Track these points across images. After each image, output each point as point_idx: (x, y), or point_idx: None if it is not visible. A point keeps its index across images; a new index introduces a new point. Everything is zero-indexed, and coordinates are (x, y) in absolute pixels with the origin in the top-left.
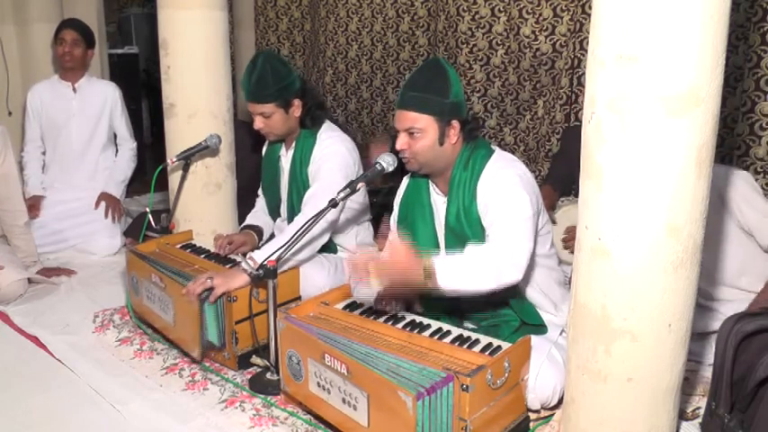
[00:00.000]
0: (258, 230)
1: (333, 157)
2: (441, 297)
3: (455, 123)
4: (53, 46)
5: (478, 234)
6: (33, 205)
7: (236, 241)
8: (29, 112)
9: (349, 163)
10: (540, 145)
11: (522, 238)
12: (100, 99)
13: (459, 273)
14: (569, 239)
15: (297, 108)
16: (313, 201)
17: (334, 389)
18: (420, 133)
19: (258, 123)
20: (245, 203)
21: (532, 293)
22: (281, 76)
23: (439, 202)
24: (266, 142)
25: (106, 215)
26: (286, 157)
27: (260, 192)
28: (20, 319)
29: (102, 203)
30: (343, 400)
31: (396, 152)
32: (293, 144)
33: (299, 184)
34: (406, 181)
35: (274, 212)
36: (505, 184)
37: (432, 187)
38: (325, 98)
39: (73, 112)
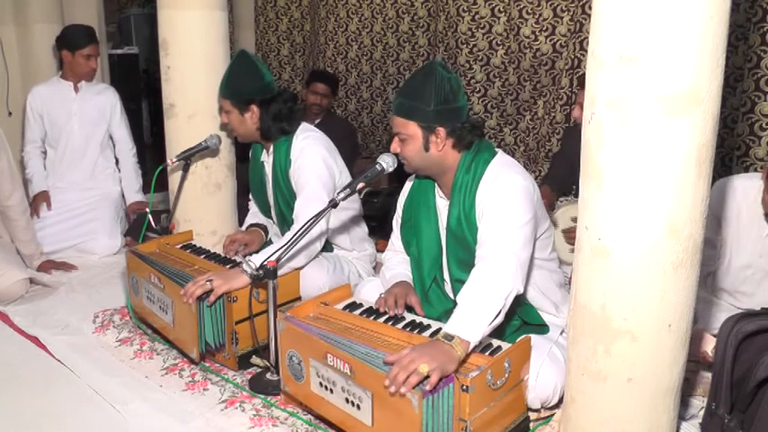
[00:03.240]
0: (263, 228)
1: (313, 160)
2: (440, 298)
3: (440, 131)
4: (63, 51)
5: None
6: (44, 200)
7: (239, 240)
8: (29, 114)
9: (329, 162)
10: (540, 145)
11: (515, 249)
12: (100, 102)
13: (478, 320)
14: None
15: (253, 115)
16: (304, 213)
17: (337, 388)
18: (407, 138)
19: (222, 117)
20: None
21: (533, 294)
22: (243, 78)
23: (441, 205)
24: (252, 147)
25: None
26: (268, 163)
27: (250, 196)
28: (20, 319)
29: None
30: (347, 400)
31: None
32: (270, 148)
33: (284, 189)
34: (410, 182)
35: (267, 217)
36: (502, 190)
37: (436, 190)
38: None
39: (74, 111)
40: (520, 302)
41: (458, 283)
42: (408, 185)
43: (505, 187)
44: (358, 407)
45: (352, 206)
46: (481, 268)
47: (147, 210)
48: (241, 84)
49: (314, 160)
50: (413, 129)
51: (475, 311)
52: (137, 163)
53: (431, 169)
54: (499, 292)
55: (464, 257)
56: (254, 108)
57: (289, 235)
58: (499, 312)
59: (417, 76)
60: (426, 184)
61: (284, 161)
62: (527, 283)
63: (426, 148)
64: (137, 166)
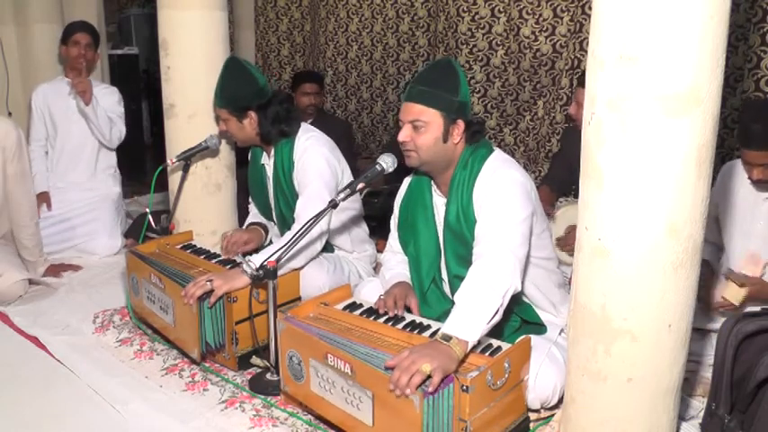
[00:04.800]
0: (263, 227)
1: (317, 161)
2: (439, 299)
3: (460, 123)
4: (61, 46)
5: None
6: (44, 201)
7: (237, 239)
8: (33, 112)
9: (332, 162)
10: (540, 145)
11: (512, 246)
12: (102, 102)
13: (476, 319)
14: (568, 242)
15: (252, 120)
16: (306, 213)
17: (337, 389)
18: (425, 127)
19: (220, 126)
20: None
21: (531, 292)
22: (237, 85)
23: (439, 203)
24: (250, 150)
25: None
26: (269, 165)
27: (251, 199)
28: (20, 319)
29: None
30: (346, 400)
31: (396, 149)
32: (272, 150)
33: (285, 191)
34: (407, 182)
35: (268, 220)
36: (499, 186)
37: (433, 188)
38: (325, 99)
39: (74, 109)
40: (518, 300)
41: (456, 280)
42: (405, 185)
43: (503, 183)
44: (358, 407)
45: (353, 206)
46: (478, 266)
47: (148, 210)
48: (235, 91)
49: (317, 160)
50: (433, 117)
51: (472, 311)
52: (117, 132)
53: (437, 163)
54: (497, 291)
55: (462, 253)
56: (252, 114)
57: (289, 234)
58: (497, 311)
59: (437, 67)
60: (423, 183)
61: (287, 163)
62: (525, 280)
63: (445, 140)
64: (114, 131)
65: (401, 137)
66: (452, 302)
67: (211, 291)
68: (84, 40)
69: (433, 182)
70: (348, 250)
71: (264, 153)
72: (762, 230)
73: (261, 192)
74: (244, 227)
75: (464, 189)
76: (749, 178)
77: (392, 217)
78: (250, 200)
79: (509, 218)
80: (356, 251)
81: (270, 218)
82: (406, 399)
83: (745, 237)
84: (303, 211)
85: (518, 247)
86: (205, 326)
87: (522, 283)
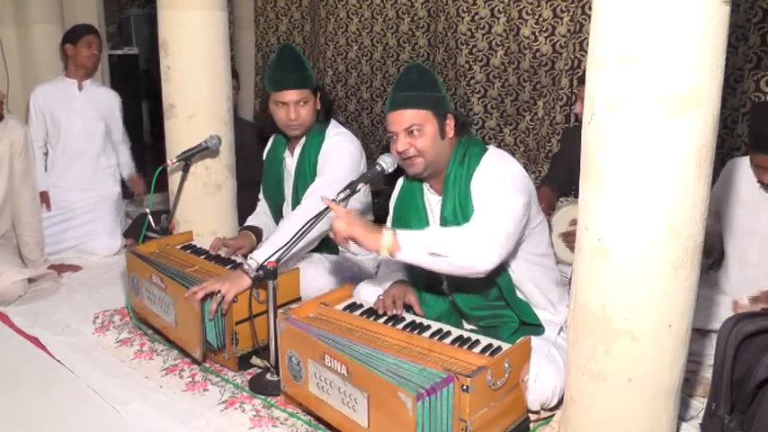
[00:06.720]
0: (257, 231)
1: (341, 153)
2: (438, 296)
3: (451, 116)
4: (67, 45)
5: None
6: (44, 202)
7: (231, 246)
8: (32, 113)
9: (356, 159)
10: (540, 146)
11: (503, 220)
12: (102, 102)
13: (425, 244)
14: (571, 235)
15: (317, 101)
16: (314, 196)
17: (334, 389)
18: (421, 129)
19: (292, 113)
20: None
21: (530, 291)
22: (308, 66)
23: (433, 201)
24: (269, 143)
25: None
26: (291, 159)
27: (260, 195)
28: (20, 319)
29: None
30: (343, 401)
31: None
32: (300, 143)
33: (307, 182)
34: (400, 183)
35: (277, 214)
36: (496, 176)
37: (425, 188)
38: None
39: (76, 109)
40: (515, 300)
41: (452, 278)
42: (398, 186)
43: (500, 175)
44: (354, 408)
45: (363, 208)
46: (465, 226)
47: (147, 210)
48: (310, 71)
49: (343, 153)
50: (426, 117)
51: (425, 236)
52: (132, 159)
53: (440, 161)
54: (468, 257)
55: None
56: (318, 93)
57: (284, 224)
58: (445, 256)
59: (413, 71)
60: (414, 184)
61: (315, 154)
62: (523, 278)
63: (442, 136)
64: (130, 155)
65: (400, 147)
66: (450, 301)
67: (213, 293)
68: (95, 42)
69: (424, 183)
70: (354, 252)
71: (287, 148)
72: (764, 231)
73: (276, 184)
74: (239, 230)
75: (461, 185)
76: (759, 181)
77: (388, 218)
78: (260, 196)
79: (504, 200)
80: (361, 253)
81: (279, 212)
82: (398, 400)
83: (747, 236)
84: (311, 195)
85: (510, 223)
86: (206, 326)
87: (521, 281)
